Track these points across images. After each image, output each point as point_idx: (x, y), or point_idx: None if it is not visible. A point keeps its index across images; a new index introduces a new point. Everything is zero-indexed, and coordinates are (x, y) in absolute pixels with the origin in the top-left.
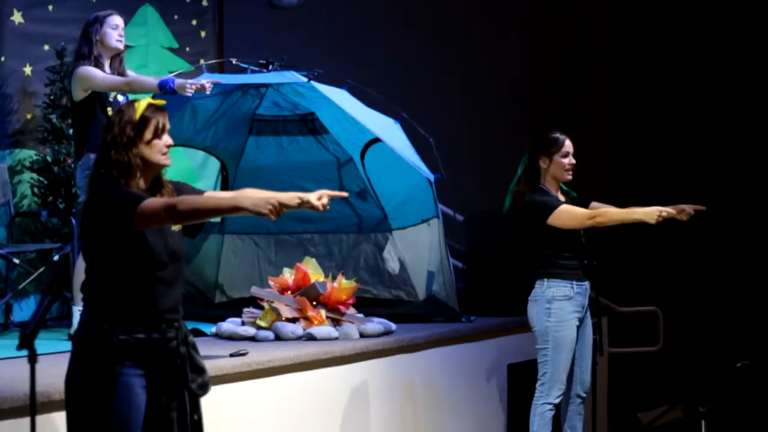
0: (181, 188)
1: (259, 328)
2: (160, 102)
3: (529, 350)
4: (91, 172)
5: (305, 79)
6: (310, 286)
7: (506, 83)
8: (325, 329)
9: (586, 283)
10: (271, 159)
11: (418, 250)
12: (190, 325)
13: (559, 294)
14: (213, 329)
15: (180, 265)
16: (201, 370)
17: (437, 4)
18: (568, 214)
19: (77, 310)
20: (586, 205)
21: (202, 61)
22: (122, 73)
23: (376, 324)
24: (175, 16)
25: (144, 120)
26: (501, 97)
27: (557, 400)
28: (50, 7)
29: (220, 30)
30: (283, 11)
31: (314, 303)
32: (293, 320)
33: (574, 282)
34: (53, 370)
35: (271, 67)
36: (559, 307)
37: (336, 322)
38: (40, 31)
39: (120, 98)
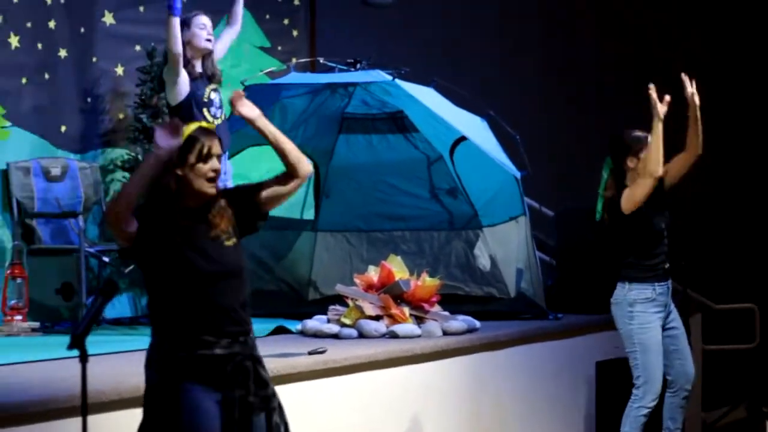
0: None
1: (343, 325)
2: (211, 126)
3: (620, 348)
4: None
5: (390, 78)
6: (394, 284)
7: (592, 79)
8: (408, 327)
9: (668, 282)
10: (361, 157)
11: (508, 247)
12: (278, 322)
13: (641, 297)
14: (299, 326)
15: (241, 280)
16: (265, 384)
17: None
18: (630, 191)
19: None
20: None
21: (293, 60)
22: (214, 73)
23: (459, 322)
24: (267, 16)
25: (189, 143)
26: (586, 94)
27: (652, 404)
28: (141, 8)
29: (312, 29)
30: (377, 9)
31: (398, 301)
32: (377, 318)
33: (656, 284)
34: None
35: (359, 65)
36: (641, 311)
37: (419, 320)
38: (131, 32)
39: (213, 97)
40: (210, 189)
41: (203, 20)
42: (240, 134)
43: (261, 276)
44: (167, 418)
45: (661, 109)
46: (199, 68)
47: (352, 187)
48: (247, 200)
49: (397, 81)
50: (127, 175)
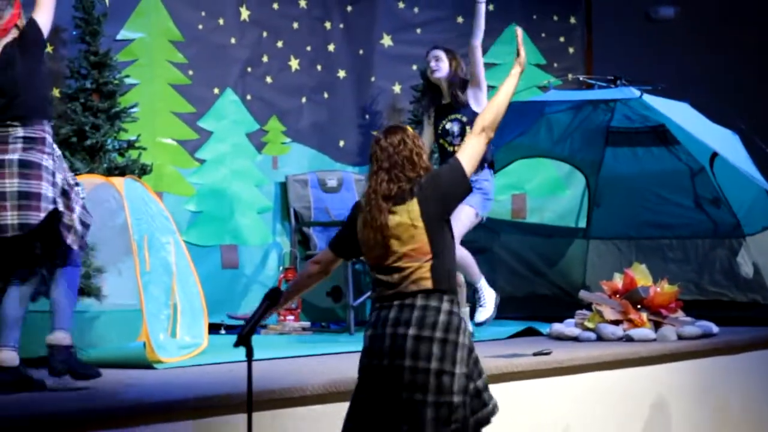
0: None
1: (585, 329)
2: None
3: None
4: None
5: (638, 95)
6: (634, 290)
7: None
8: (643, 331)
9: None
10: (627, 168)
11: (767, 255)
12: (536, 325)
13: None
14: (548, 329)
15: None
16: None
17: None
18: None
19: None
20: None
21: (569, 76)
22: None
23: (694, 327)
24: (543, 34)
25: None
26: None
27: None
28: (418, 30)
29: (588, 45)
30: (658, 24)
31: (638, 306)
32: (616, 322)
33: None
34: None
35: (618, 82)
36: None
37: (657, 325)
38: (408, 52)
39: (449, 127)
40: None
41: (433, 53)
42: (509, 146)
43: (534, 280)
44: None
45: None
46: (446, 98)
47: (621, 197)
48: None
49: (645, 97)
50: None
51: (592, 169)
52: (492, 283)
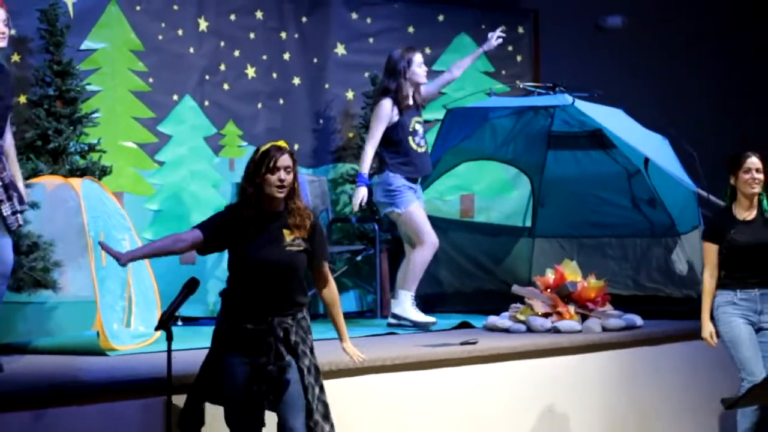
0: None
1: (516, 321)
2: (282, 143)
3: None
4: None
5: (570, 101)
6: (563, 285)
7: None
8: (570, 323)
9: (754, 291)
10: (569, 171)
11: (699, 253)
12: (468, 318)
13: (722, 301)
14: (484, 322)
15: (292, 276)
16: (282, 357)
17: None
18: (704, 252)
19: (409, 296)
20: None
21: (517, 83)
22: (421, 104)
23: (619, 319)
24: None
25: (262, 157)
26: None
27: None
28: (371, 40)
29: (536, 54)
30: (606, 33)
31: (566, 300)
32: (546, 315)
33: (738, 290)
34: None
35: (557, 89)
36: (722, 311)
37: (584, 317)
38: (361, 61)
39: (418, 128)
40: (278, 193)
41: (419, 58)
42: (455, 150)
43: (481, 277)
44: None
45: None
46: (410, 100)
47: (564, 198)
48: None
49: (578, 104)
50: (353, 187)
51: (535, 171)
52: (440, 279)
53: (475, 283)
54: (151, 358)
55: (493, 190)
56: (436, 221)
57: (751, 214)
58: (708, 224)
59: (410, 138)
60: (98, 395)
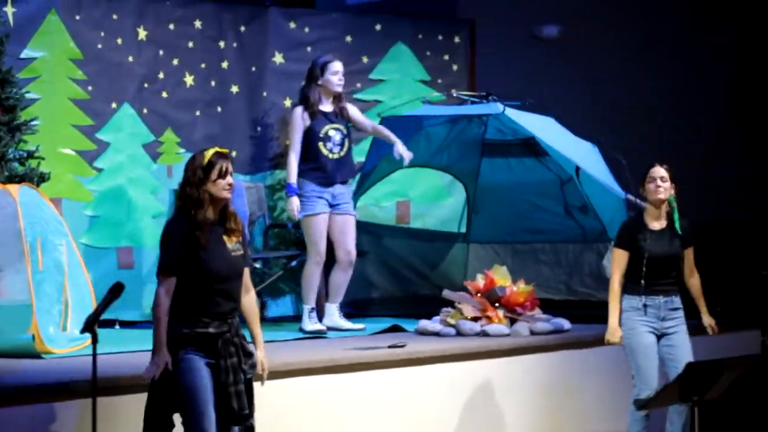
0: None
1: (446, 325)
2: (225, 150)
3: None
4: (175, 202)
5: (501, 109)
6: (492, 290)
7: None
8: (498, 327)
9: (659, 298)
10: (503, 178)
11: None
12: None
13: (628, 306)
14: (415, 326)
15: (238, 280)
16: (250, 355)
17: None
18: (613, 258)
19: (306, 309)
20: (686, 245)
21: (453, 91)
22: (341, 112)
23: (547, 323)
24: (428, 53)
25: (210, 164)
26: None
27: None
28: (309, 48)
29: (472, 64)
30: (542, 42)
31: (495, 304)
32: (476, 319)
33: (644, 296)
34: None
35: (489, 98)
36: (627, 317)
37: (513, 321)
38: (299, 69)
39: (332, 134)
40: (227, 194)
41: (336, 66)
42: (390, 157)
43: (416, 282)
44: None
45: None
46: (324, 107)
47: (498, 204)
48: None
49: (508, 112)
50: None
51: (469, 178)
52: (375, 284)
53: (411, 288)
54: (85, 361)
55: (429, 197)
56: (372, 227)
57: (661, 224)
58: (620, 231)
59: (321, 144)
60: (25, 397)
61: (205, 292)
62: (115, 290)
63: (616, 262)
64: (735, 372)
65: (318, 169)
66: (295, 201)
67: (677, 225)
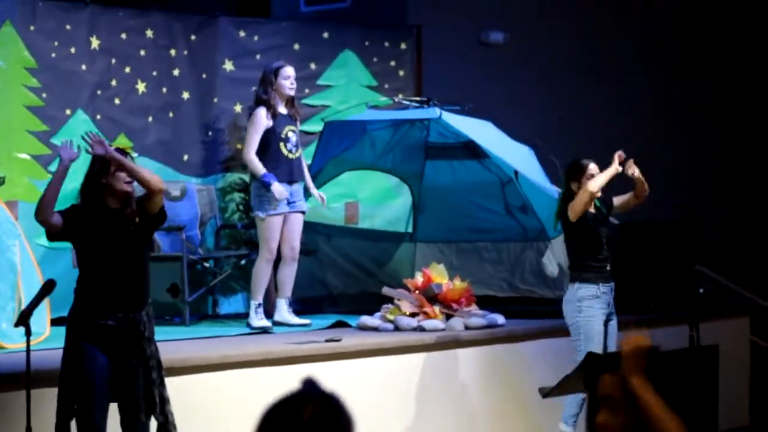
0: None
1: (385, 320)
2: (127, 147)
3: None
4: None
5: (438, 114)
6: (428, 287)
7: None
8: (434, 322)
9: (611, 284)
10: (446, 179)
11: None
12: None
13: (588, 294)
14: (357, 321)
15: (138, 266)
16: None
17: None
18: (573, 202)
19: (253, 304)
20: (610, 202)
21: (399, 96)
22: (295, 116)
23: (480, 318)
24: (375, 59)
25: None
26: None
27: None
28: (258, 56)
29: (418, 69)
30: (489, 48)
31: (432, 301)
32: (414, 315)
33: (601, 284)
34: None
35: (431, 103)
36: (588, 305)
37: (449, 317)
38: (248, 76)
39: (291, 136)
40: (128, 187)
41: (288, 71)
42: (337, 160)
43: (364, 280)
44: (69, 365)
45: (618, 169)
46: (281, 110)
47: (442, 205)
48: (141, 209)
49: (445, 117)
50: (242, 195)
51: (414, 180)
52: (325, 282)
53: (359, 286)
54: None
55: (377, 198)
56: (321, 227)
57: (593, 210)
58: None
59: (281, 144)
60: None
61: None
62: (47, 287)
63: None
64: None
65: (278, 168)
66: (277, 186)
67: (603, 210)
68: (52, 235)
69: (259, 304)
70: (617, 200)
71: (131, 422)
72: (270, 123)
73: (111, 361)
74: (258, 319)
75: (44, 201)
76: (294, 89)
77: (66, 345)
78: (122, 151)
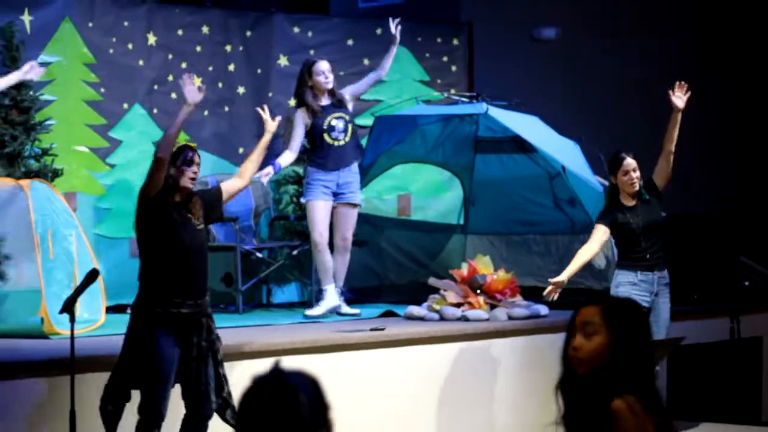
0: (205, 193)
1: (431, 310)
2: (193, 144)
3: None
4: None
5: (484, 109)
6: (473, 278)
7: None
8: (478, 312)
9: (653, 273)
10: (495, 173)
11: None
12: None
13: (624, 281)
14: (404, 311)
15: (203, 256)
16: (211, 332)
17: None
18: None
19: (332, 290)
20: (652, 185)
21: (451, 91)
22: (339, 101)
23: (525, 309)
24: (427, 54)
25: (177, 153)
26: None
27: None
28: (312, 51)
29: (470, 65)
30: (541, 44)
31: (477, 291)
32: (458, 305)
33: (638, 272)
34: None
35: (480, 98)
36: (625, 291)
37: (493, 307)
38: None
39: (335, 123)
40: (189, 183)
41: (321, 67)
42: (389, 153)
43: (416, 270)
44: (141, 350)
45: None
46: (323, 102)
47: (492, 198)
48: (212, 199)
49: (492, 112)
50: (295, 187)
51: (465, 173)
52: (377, 273)
53: (411, 276)
54: (89, 342)
55: (429, 191)
56: (374, 219)
57: (633, 202)
58: (602, 211)
59: (326, 134)
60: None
61: (173, 270)
62: (91, 276)
63: (593, 235)
64: (662, 353)
65: (324, 157)
66: (269, 168)
67: (645, 196)
68: (152, 187)
69: (334, 287)
70: (657, 176)
71: (197, 402)
72: (309, 121)
73: (182, 347)
74: (345, 306)
75: (170, 137)
76: (330, 82)
77: (135, 332)
78: (189, 148)
